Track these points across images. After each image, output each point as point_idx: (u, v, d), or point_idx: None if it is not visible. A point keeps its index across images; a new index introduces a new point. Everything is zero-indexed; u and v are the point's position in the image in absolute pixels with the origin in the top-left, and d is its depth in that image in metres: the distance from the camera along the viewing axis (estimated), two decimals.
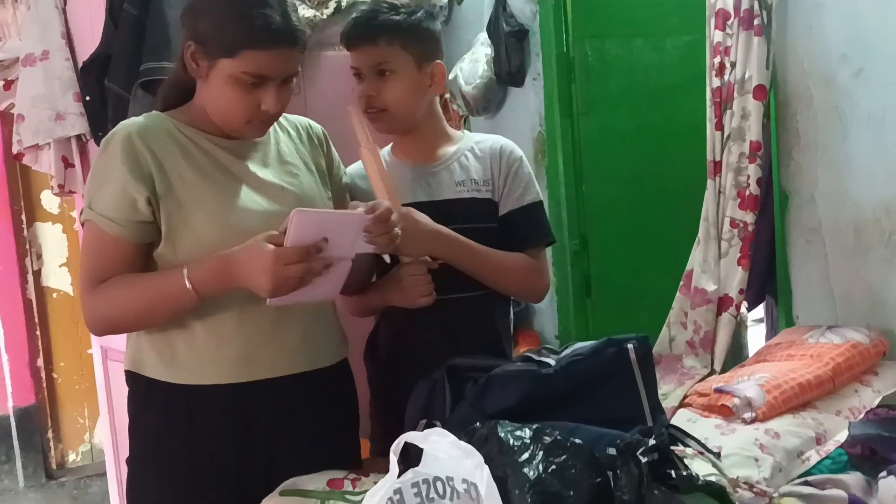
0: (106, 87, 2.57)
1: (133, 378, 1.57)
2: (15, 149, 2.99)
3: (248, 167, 1.55)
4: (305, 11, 2.79)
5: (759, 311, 3.04)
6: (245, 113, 1.49)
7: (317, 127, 1.74)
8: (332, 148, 1.74)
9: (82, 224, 1.53)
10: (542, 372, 1.46)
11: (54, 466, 4.37)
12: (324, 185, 1.66)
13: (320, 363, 1.61)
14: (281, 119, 1.65)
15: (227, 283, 1.44)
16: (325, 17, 2.84)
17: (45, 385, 4.33)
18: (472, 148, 1.84)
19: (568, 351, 1.56)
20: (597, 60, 2.85)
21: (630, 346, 1.53)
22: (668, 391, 1.88)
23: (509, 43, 2.83)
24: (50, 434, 4.37)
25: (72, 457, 4.44)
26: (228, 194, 1.51)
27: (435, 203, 1.76)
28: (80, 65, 2.80)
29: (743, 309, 3.02)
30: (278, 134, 1.65)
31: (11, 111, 3.15)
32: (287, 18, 1.48)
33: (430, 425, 1.62)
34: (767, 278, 2.31)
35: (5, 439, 4.19)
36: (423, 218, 1.68)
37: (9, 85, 3.18)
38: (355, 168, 1.86)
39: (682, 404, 1.80)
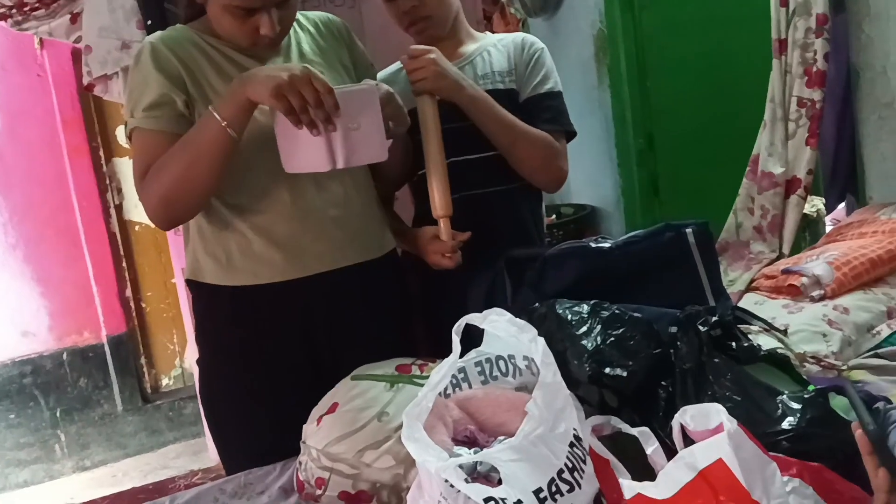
0: (166, 9, 2.61)
1: (194, 286, 1.62)
2: (85, 80, 3.07)
3: None
4: None
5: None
6: (246, 38, 1.49)
7: (336, 20, 1.72)
8: (356, 41, 1.72)
9: (129, 137, 1.54)
10: (597, 248, 1.45)
11: (149, 390, 4.59)
12: (349, 80, 1.65)
13: (369, 255, 1.63)
14: (300, 18, 1.65)
15: (239, 96, 1.40)
16: None
17: (134, 314, 4.52)
18: (494, 44, 1.82)
19: (625, 236, 1.55)
20: None
21: (688, 230, 1.51)
22: (736, 276, 1.86)
23: None
24: (143, 360, 4.58)
25: (165, 381, 4.65)
26: None
27: None
28: None
29: (821, 205, 2.93)
30: (299, 34, 1.64)
31: (79, 44, 3.23)
32: None
33: None
34: (851, 176, 2.23)
35: (102, 367, 4.42)
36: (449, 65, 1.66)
37: (75, 18, 3.24)
38: (387, 73, 1.85)
39: (749, 288, 1.78)
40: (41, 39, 3.90)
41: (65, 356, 4.33)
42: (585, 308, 1.27)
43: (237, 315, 1.58)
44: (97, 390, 4.41)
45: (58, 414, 4.28)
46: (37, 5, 3.26)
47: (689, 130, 2.76)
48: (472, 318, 1.37)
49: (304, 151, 1.40)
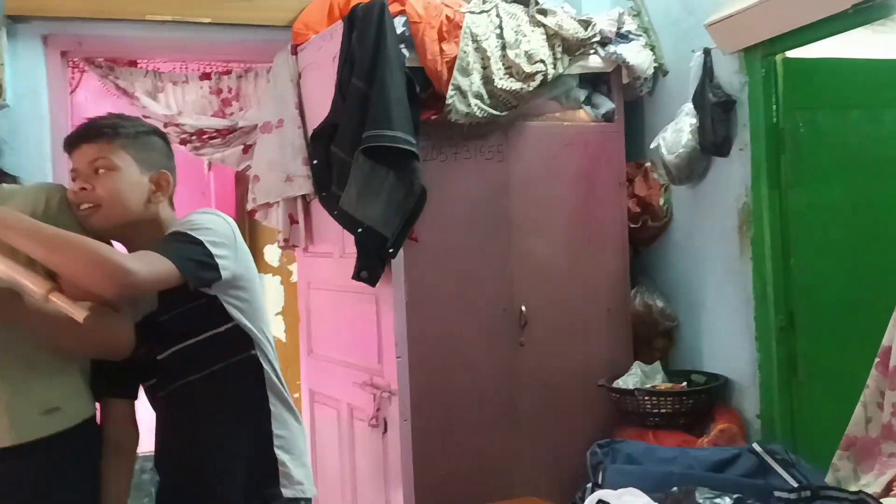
0: (332, 152, 2.82)
1: None
2: (249, 206, 3.33)
3: None
4: (512, 84, 2.94)
5: None
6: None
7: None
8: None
9: None
10: None
11: None
12: None
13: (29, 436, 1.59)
14: None
15: None
16: (531, 88, 2.98)
17: None
18: None
19: None
20: (808, 132, 2.77)
21: None
22: (869, 481, 1.77)
23: (715, 113, 2.83)
24: None
25: None
26: None
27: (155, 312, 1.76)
28: (309, 132, 3.10)
29: None
30: None
31: (247, 172, 3.52)
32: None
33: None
34: None
35: None
36: None
37: (247, 149, 3.54)
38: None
39: (886, 492, 1.69)
40: (209, 162, 4.25)
41: None
42: (728, 501, 1.25)
43: None
44: None
45: None
46: (214, 135, 3.60)
47: (832, 313, 2.69)
48: (607, 496, 1.37)
49: None
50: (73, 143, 1.77)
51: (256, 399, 1.85)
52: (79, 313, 1.44)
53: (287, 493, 1.86)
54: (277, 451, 1.86)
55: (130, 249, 1.77)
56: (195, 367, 1.79)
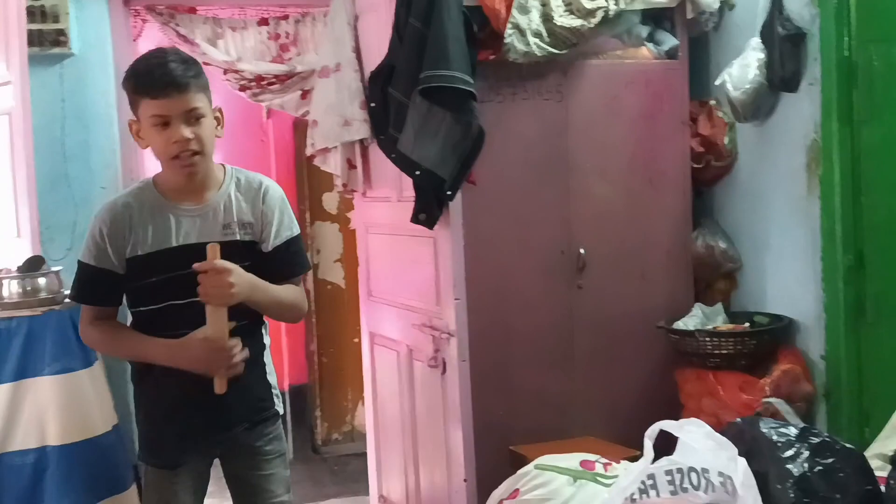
0: (389, 94, 2.82)
1: None
2: (308, 151, 3.35)
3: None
4: (572, 21, 2.88)
5: None
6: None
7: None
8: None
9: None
10: None
11: (319, 442, 4.79)
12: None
13: None
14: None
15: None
16: (591, 26, 2.91)
17: (316, 367, 4.76)
18: (236, 186, 1.97)
19: None
20: (882, 66, 2.67)
21: None
22: None
23: (784, 47, 2.74)
24: (317, 413, 4.79)
25: (334, 435, 4.83)
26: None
27: (200, 245, 1.87)
28: (366, 76, 3.09)
29: None
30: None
31: (305, 117, 3.54)
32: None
33: None
34: None
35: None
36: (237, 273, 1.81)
37: (305, 94, 3.56)
38: None
39: None
40: (268, 109, 4.28)
41: None
42: (793, 430, 1.24)
43: None
44: None
45: None
46: (273, 80, 3.63)
47: None
48: (668, 426, 1.36)
49: None
50: (159, 90, 1.82)
51: (260, 338, 2.04)
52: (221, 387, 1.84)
53: (279, 408, 2.09)
54: (269, 377, 2.07)
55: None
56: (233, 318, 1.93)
